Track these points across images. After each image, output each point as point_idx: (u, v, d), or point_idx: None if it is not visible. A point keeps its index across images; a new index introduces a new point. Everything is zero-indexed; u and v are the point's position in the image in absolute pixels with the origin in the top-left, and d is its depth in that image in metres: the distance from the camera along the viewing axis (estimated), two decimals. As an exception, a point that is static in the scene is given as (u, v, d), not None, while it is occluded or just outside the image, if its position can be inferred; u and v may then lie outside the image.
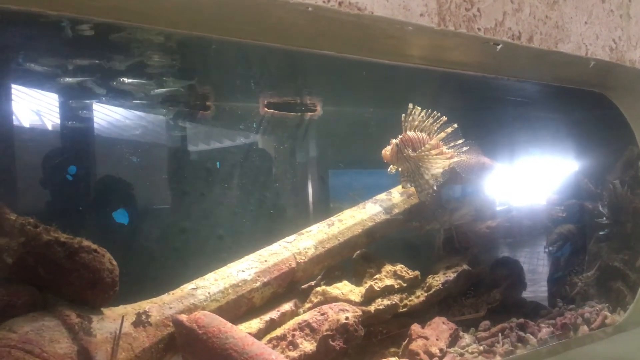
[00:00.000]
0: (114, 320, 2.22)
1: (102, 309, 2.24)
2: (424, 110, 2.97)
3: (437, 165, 3.02)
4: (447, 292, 3.20)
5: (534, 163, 4.14)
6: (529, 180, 4.00)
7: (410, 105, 2.95)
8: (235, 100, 3.30)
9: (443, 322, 3.06)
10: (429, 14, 2.06)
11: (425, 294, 3.12)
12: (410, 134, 2.98)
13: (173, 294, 2.48)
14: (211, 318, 2.33)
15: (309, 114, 3.51)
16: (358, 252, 3.17)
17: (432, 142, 2.97)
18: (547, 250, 4.17)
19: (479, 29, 2.27)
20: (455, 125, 2.96)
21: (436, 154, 3.01)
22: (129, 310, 2.31)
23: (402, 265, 3.12)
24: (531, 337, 3.21)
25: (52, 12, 1.67)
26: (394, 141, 2.97)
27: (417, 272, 3.14)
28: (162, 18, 1.89)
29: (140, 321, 2.27)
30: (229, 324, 2.36)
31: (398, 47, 2.37)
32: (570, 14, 2.73)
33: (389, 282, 3.02)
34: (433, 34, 2.14)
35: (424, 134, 3.00)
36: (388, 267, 3.10)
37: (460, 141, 3.03)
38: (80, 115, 2.83)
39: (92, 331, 2.12)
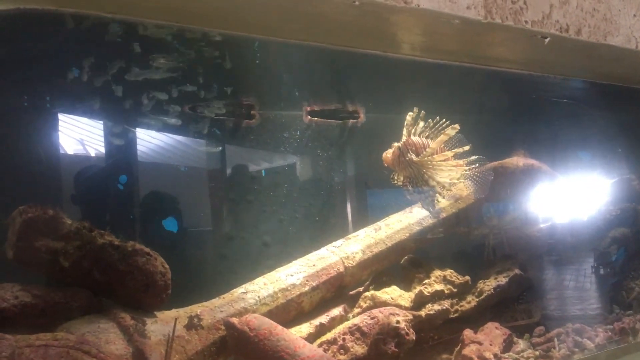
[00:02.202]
0: (167, 323, 2.23)
1: (155, 312, 2.26)
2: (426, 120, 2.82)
3: (444, 173, 2.82)
4: (499, 297, 3.11)
5: (584, 166, 4.03)
6: (580, 182, 3.89)
7: (415, 109, 2.80)
8: (278, 108, 3.32)
9: (496, 328, 2.98)
10: (475, 7, 2.04)
11: (477, 299, 3.05)
12: (414, 138, 2.82)
13: (223, 298, 2.49)
14: (262, 321, 2.33)
15: (352, 121, 3.49)
16: (406, 257, 3.12)
17: (433, 146, 2.77)
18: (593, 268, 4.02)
19: (526, 22, 2.24)
20: (457, 126, 2.74)
21: (441, 160, 2.80)
22: (181, 313, 2.32)
23: (452, 270, 3.06)
24: (588, 342, 3.10)
25: (105, 14, 1.72)
26: (395, 144, 2.81)
27: (467, 277, 3.07)
28: (206, 17, 1.91)
29: (193, 324, 2.28)
30: (280, 327, 2.35)
31: (442, 43, 2.36)
32: (618, 7, 2.67)
33: (438, 287, 2.96)
34: (479, 27, 2.11)
35: (428, 140, 2.83)
36: (437, 272, 3.04)
37: (466, 147, 2.81)
38: (130, 126, 2.89)
39: (146, 333, 2.13)
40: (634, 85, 3.43)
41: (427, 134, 2.85)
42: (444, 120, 2.81)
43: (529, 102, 3.61)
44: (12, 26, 1.74)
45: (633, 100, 3.71)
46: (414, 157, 2.78)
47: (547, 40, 2.36)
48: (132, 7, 1.73)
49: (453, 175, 2.83)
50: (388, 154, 2.80)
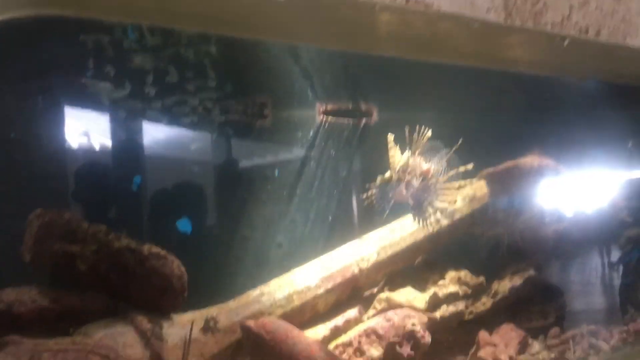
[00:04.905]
0: (184, 326, 2.24)
1: (171, 314, 2.26)
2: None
3: (444, 197, 2.57)
4: (514, 299, 3.10)
5: (598, 166, 3.99)
6: (594, 183, 3.85)
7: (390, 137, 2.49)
8: (292, 108, 3.30)
9: (511, 329, 2.97)
10: (495, 9, 2.01)
11: (492, 301, 3.04)
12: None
13: (239, 300, 2.48)
14: (278, 324, 2.33)
15: (364, 119, 3.47)
16: (420, 258, 3.11)
17: (424, 169, 2.50)
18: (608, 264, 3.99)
19: (545, 24, 2.21)
20: (429, 133, 2.44)
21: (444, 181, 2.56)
22: (197, 316, 2.32)
23: (467, 271, 3.05)
24: (604, 343, 3.08)
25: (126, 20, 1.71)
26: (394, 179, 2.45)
27: (481, 278, 3.06)
28: (229, 23, 1.90)
29: (209, 327, 2.29)
30: (296, 330, 2.35)
31: (460, 45, 2.33)
32: (637, 8, 2.63)
33: (453, 288, 2.95)
34: (498, 29, 2.09)
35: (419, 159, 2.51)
36: (452, 273, 3.03)
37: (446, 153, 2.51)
38: (138, 127, 2.88)
39: (164, 336, 2.14)
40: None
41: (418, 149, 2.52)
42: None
43: (544, 104, 3.58)
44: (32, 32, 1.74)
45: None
46: (415, 182, 2.50)
47: (566, 42, 2.33)
48: (156, 12, 1.72)
49: (451, 200, 2.66)
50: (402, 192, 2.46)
